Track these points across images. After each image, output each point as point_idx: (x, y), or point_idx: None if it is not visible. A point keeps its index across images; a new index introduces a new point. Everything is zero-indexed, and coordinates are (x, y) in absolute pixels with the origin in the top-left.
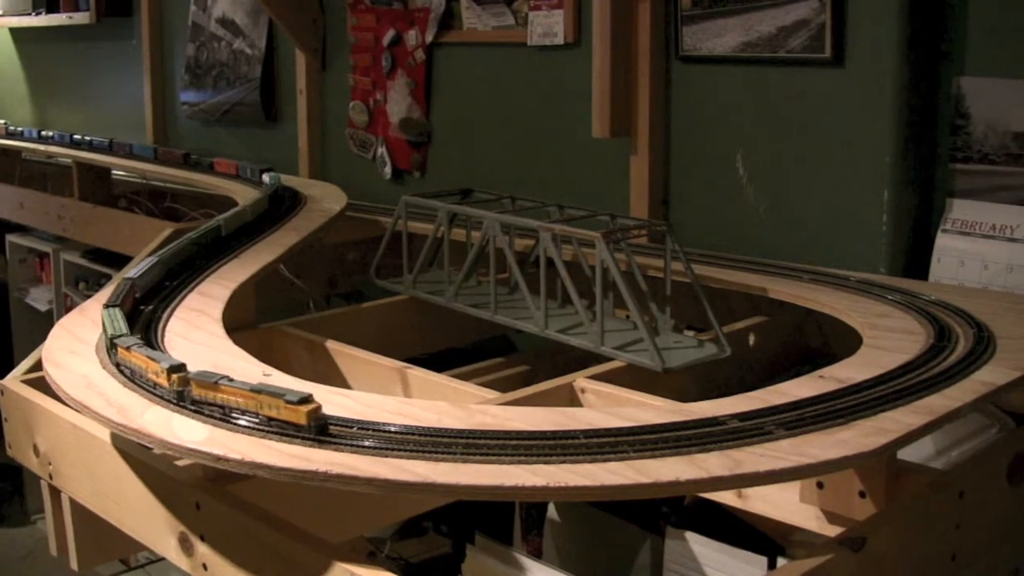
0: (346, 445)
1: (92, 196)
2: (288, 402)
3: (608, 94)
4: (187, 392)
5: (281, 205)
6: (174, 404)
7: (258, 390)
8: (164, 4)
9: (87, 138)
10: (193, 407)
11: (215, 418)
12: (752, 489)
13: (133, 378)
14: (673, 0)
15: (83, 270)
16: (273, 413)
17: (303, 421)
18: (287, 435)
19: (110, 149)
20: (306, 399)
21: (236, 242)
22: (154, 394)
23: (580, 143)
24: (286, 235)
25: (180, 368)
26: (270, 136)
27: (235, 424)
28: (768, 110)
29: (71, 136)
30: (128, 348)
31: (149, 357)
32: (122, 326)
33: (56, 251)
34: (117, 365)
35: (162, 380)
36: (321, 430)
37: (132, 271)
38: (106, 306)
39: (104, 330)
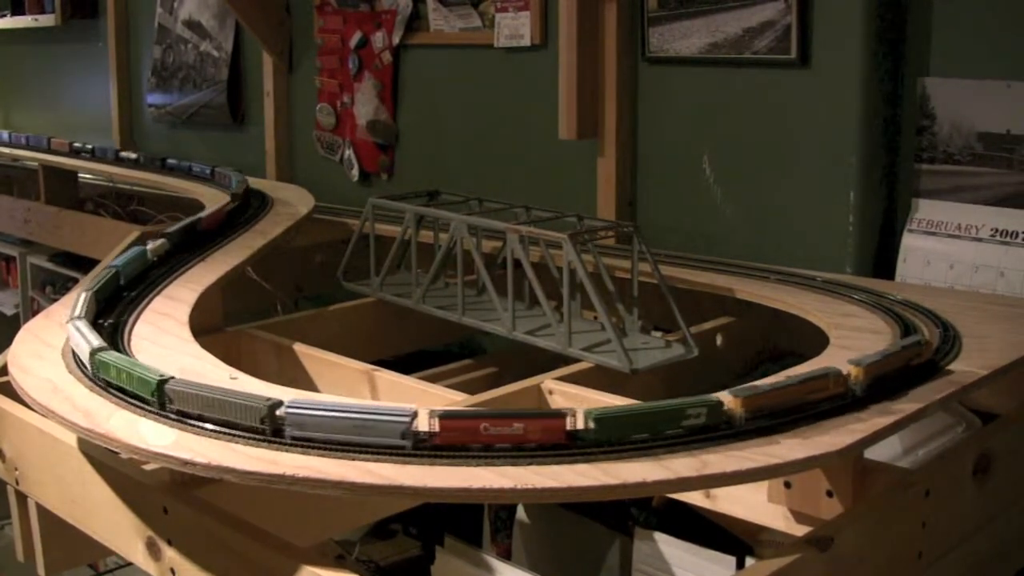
0: (313, 448)
1: (59, 199)
2: None
3: (575, 96)
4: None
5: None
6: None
7: None
8: (130, 6)
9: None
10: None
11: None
12: (720, 489)
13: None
14: (639, 2)
15: (50, 274)
16: None
17: None
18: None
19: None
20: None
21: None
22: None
23: (547, 145)
24: (253, 238)
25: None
26: (237, 138)
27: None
28: (734, 111)
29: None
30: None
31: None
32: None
33: (23, 255)
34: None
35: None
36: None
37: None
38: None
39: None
